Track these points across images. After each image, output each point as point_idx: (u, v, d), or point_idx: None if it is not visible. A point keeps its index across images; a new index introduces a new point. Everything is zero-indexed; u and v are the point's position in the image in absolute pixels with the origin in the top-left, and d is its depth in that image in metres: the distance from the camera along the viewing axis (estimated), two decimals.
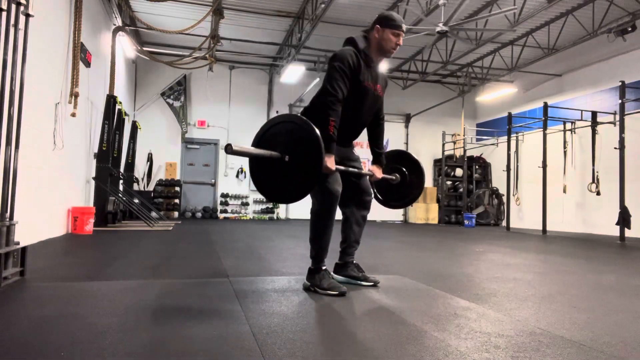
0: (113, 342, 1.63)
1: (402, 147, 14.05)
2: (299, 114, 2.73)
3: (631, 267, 4.38)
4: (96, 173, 7.07)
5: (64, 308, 2.14)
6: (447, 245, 6.34)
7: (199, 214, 12.35)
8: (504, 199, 12.26)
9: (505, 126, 10.91)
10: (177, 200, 12.14)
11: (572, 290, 2.97)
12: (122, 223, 8.02)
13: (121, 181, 8.72)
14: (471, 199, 13.09)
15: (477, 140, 14.08)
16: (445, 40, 10.42)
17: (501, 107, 13.09)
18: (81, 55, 5.97)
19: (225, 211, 12.77)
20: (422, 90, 13.62)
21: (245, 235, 6.74)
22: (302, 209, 12.07)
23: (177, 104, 12.42)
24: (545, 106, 9.60)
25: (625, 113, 7.95)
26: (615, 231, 8.06)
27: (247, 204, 12.96)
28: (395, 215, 13.78)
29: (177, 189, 12.19)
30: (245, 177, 12.89)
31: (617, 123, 8.39)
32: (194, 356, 1.53)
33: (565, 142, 10.58)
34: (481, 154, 14.05)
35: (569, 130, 10.56)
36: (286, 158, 2.28)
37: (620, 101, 7.97)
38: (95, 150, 7.31)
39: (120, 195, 7.89)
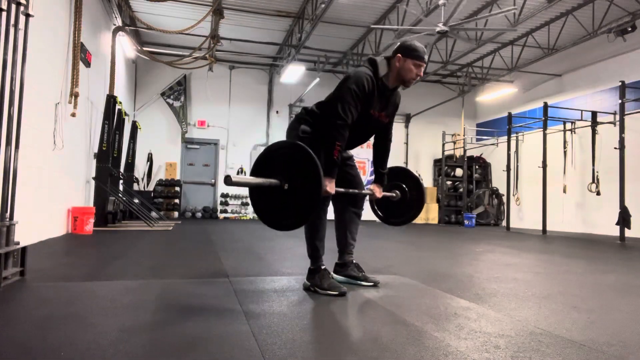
0: (113, 342, 1.63)
1: (402, 147, 14.11)
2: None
3: (631, 267, 4.38)
4: (96, 173, 7.07)
5: (64, 308, 2.14)
6: (447, 245, 6.34)
7: (199, 214, 12.35)
8: (504, 199, 12.25)
9: (505, 126, 10.90)
10: (177, 200, 12.15)
11: (572, 290, 2.97)
12: (122, 223, 8.02)
13: (121, 181, 8.72)
14: (471, 199, 13.08)
15: (477, 140, 14.07)
16: (445, 40, 10.43)
17: (501, 107, 13.08)
18: (81, 55, 5.97)
19: (225, 211, 12.77)
20: (422, 90, 13.61)
21: (245, 235, 6.74)
22: None
23: (177, 104, 12.42)
24: (545, 106, 9.60)
25: (625, 113, 7.94)
26: (615, 231, 8.06)
27: (247, 204, 12.94)
28: None
29: (177, 189, 12.20)
30: None
31: (617, 123, 8.39)
32: (194, 356, 1.53)
33: (565, 142, 10.58)
34: (481, 154, 14.04)
35: (569, 130, 10.55)
36: (285, 186, 2.25)
37: (620, 101, 7.96)
38: (95, 150, 7.31)
39: (120, 195, 7.89)
